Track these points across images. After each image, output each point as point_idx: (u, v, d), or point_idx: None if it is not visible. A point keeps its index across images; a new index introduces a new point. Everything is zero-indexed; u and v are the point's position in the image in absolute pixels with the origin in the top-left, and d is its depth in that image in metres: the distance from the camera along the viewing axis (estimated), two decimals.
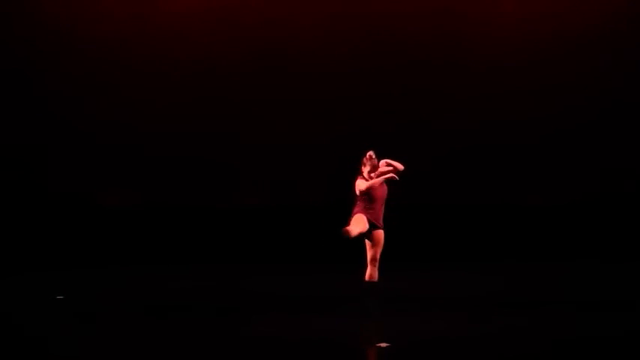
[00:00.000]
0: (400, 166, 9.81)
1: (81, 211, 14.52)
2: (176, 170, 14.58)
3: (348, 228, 9.53)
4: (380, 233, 9.76)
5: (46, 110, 14.58)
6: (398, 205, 14.19)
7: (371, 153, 9.79)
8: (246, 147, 14.62)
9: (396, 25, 14.47)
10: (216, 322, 9.71)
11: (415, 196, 14.29)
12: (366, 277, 9.76)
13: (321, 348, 8.49)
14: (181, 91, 14.58)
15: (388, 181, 9.77)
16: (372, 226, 9.70)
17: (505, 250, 14.02)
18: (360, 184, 9.66)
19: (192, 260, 13.94)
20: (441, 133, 14.52)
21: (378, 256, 9.78)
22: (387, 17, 14.46)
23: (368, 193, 9.63)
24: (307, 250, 13.93)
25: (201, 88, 14.62)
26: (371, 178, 9.71)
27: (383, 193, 9.77)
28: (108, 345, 8.60)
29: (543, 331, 9.04)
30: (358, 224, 9.59)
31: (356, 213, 9.68)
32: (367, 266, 9.80)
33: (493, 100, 14.45)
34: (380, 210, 9.76)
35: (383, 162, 9.84)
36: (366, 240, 9.75)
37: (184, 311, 10.20)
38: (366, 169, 9.74)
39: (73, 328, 9.34)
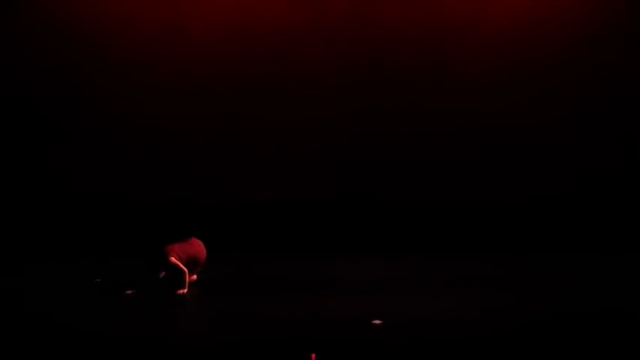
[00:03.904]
0: None
1: (114, 206, 14.86)
2: (183, 170, 14.85)
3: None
4: None
5: (73, 106, 14.85)
6: (399, 201, 14.82)
7: None
8: (249, 145, 14.89)
9: (394, 31, 14.72)
10: (229, 301, 10.49)
11: (418, 193, 14.85)
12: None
13: (324, 324, 9.19)
14: (193, 92, 14.85)
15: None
16: None
17: (491, 242, 14.34)
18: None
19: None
20: (441, 131, 14.76)
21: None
22: (385, 23, 14.75)
23: None
24: (314, 241, 14.28)
25: (212, 89, 14.86)
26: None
27: None
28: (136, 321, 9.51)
29: (522, 309, 9.86)
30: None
31: None
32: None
33: (483, 102, 14.73)
34: None
35: None
36: None
37: (204, 292, 10.95)
38: None
39: (107, 308, 10.16)
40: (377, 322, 9.12)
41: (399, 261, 13.34)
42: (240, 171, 14.97)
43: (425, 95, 14.86)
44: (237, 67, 14.86)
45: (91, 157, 15.04)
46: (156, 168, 14.97)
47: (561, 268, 12.64)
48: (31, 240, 14.38)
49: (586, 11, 14.68)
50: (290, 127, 14.92)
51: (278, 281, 11.45)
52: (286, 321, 9.48)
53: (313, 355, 7.42)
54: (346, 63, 14.86)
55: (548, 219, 14.76)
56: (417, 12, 14.80)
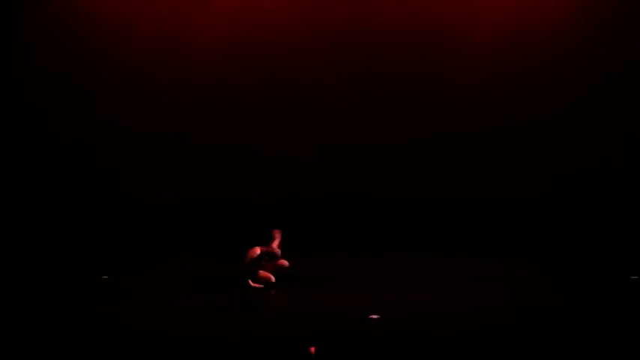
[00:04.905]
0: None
1: (122, 204, 15.04)
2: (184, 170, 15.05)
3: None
4: None
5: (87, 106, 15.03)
6: (396, 201, 15.07)
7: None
8: (250, 147, 15.07)
9: (392, 38, 14.94)
10: (229, 297, 10.73)
11: (415, 193, 15.10)
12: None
13: (322, 319, 9.39)
14: (196, 98, 15.12)
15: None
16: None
17: (484, 239, 14.58)
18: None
19: (212, 249, 14.31)
20: (440, 133, 14.96)
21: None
22: (383, 30, 14.98)
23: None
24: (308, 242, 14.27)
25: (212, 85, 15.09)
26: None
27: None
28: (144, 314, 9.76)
29: (520, 304, 10.13)
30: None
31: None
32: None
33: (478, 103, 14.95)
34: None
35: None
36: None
37: (203, 289, 11.15)
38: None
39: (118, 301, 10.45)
40: (374, 316, 9.29)
41: (396, 258, 13.57)
42: (240, 172, 15.10)
43: (423, 99, 15.04)
44: (237, 73, 15.04)
45: (91, 158, 15.23)
46: (158, 169, 15.17)
47: (561, 263, 12.92)
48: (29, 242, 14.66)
49: (581, 14, 14.90)
50: (289, 132, 15.11)
51: (275, 277, 11.47)
52: (284, 316, 9.76)
53: (312, 349, 7.59)
54: (344, 69, 15.05)
55: (545, 217, 14.96)
56: (414, 19, 15.00)
